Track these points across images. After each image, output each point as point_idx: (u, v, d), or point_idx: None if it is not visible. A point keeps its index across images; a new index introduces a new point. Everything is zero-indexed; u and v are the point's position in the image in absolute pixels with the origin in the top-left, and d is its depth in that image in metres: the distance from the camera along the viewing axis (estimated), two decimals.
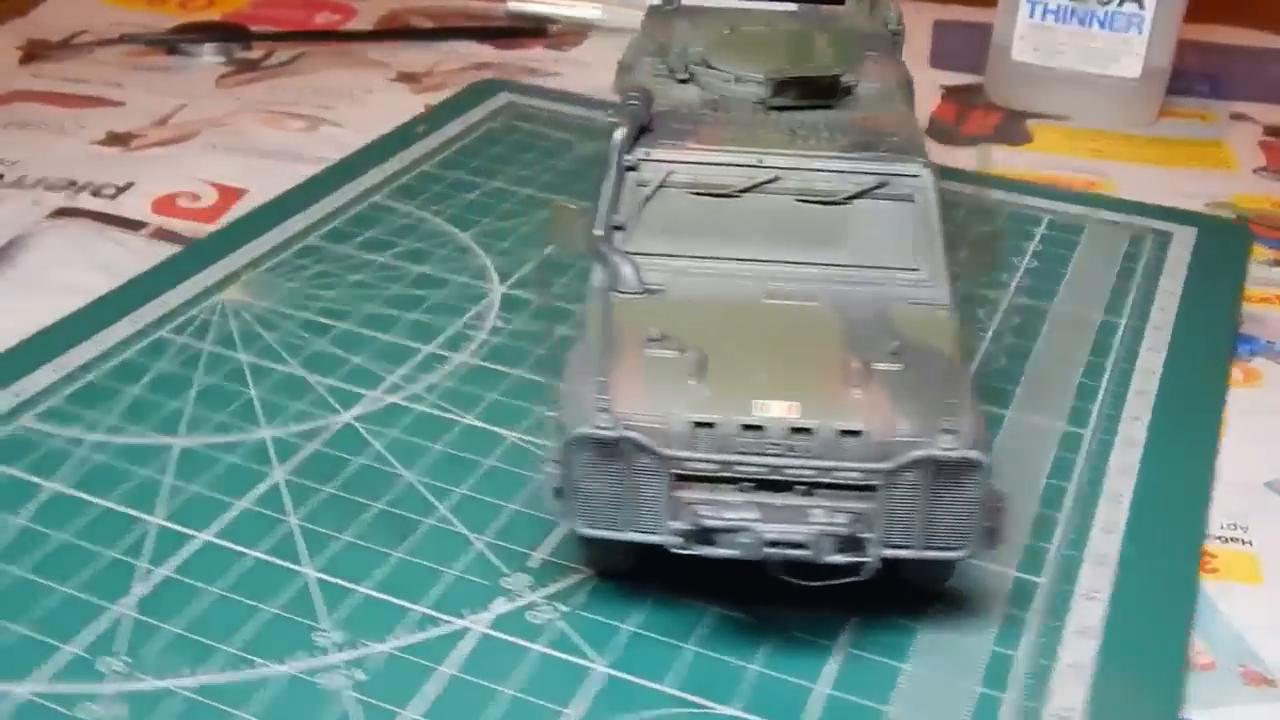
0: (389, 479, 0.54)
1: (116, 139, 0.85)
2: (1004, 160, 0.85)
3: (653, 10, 0.66)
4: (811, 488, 0.44)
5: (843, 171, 0.49)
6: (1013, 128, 0.90)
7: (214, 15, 1.08)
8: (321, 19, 1.09)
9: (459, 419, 0.58)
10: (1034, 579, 0.50)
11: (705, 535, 0.43)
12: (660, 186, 0.49)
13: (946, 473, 0.43)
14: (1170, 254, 0.74)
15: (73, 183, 0.78)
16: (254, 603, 0.48)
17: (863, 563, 0.43)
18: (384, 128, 0.85)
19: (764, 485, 0.44)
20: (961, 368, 0.46)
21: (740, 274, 0.49)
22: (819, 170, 0.49)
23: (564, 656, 0.46)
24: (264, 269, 0.69)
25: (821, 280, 0.49)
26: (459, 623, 0.47)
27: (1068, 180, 0.83)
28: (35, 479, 0.53)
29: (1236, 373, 0.64)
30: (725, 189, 0.49)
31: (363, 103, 0.92)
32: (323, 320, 0.65)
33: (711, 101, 0.54)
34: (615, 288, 0.48)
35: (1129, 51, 0.86)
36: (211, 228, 0.74)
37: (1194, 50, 1.00)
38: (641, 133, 0.50)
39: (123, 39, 0.99)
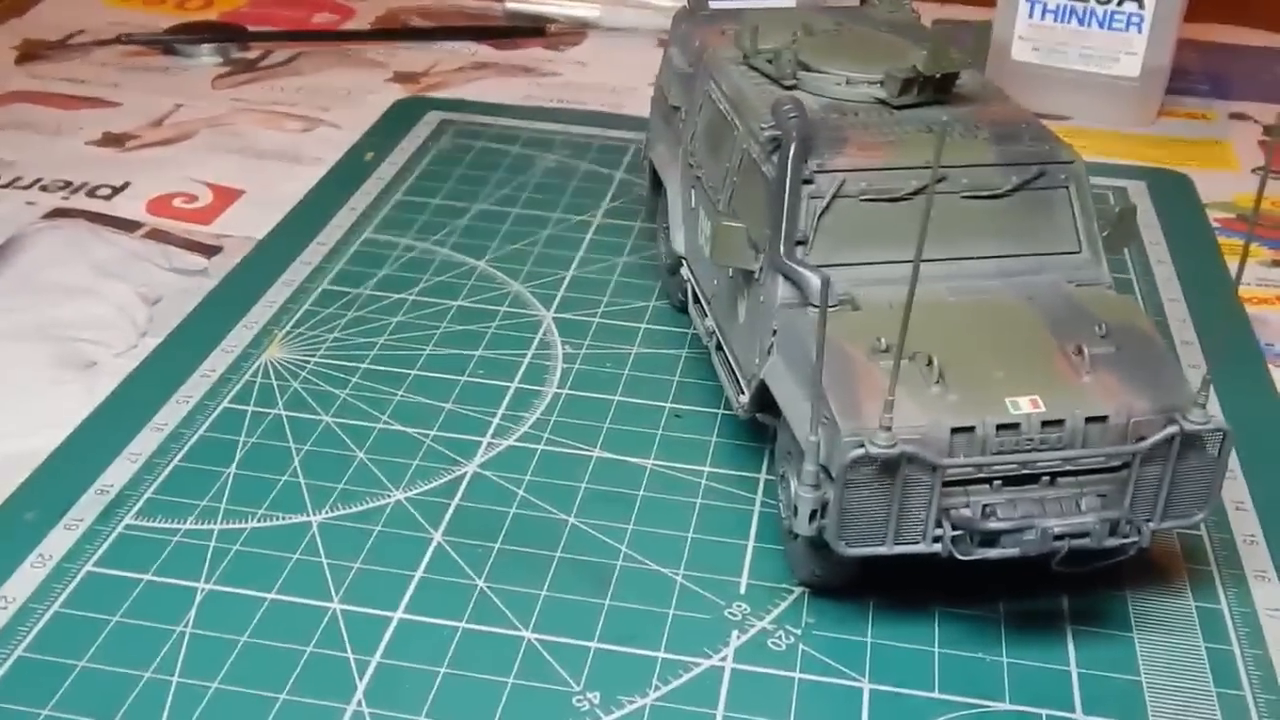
0: (552, 525, 0.52)
1: (112, 139, 0.84)
2: None
3: (683, 15, 0.65)
4: (1054, 477, 0.45)
5: (1003, 165, 0.50)
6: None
7: (211, 15, 1.07)
8: (319, 19, 1.07)
9: (587, 452, 0.56)
10: (1194, 533, 0.53)
11: (988, 538, 0.43)
12: (835, 197, 0.49)
13: (1194, 444, 0.45)
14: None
15: (68, 183, 0.78)
16: (491, 676, 0.45)
17: (1133, 542, 0.44)
18: None
19: (1010, 481, 0.45)
20: (1163, 341, 0.48)
21: (923, 274, 0.49)
22: (982, 166, 0.50)
23: (829, 680, 0.45)
24: (294, 323, 0.64)
25: (996, 273, 0.50)
26: (707, 663, 0.46)
27: None
28: (180, 581, 0.49)
29: None
30: (896, 193, 0.50)
31: (360, 103, 0.90)
32: (389, 369, 0.61)
33: (827, 106, 0.53)
34: (809, 303, 0.48)
35: (1128, 51, 0.86)
36: (207, 228, 0.74)
37: (1194, 49, 1.00)
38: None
39: (119, 39, 0.98)
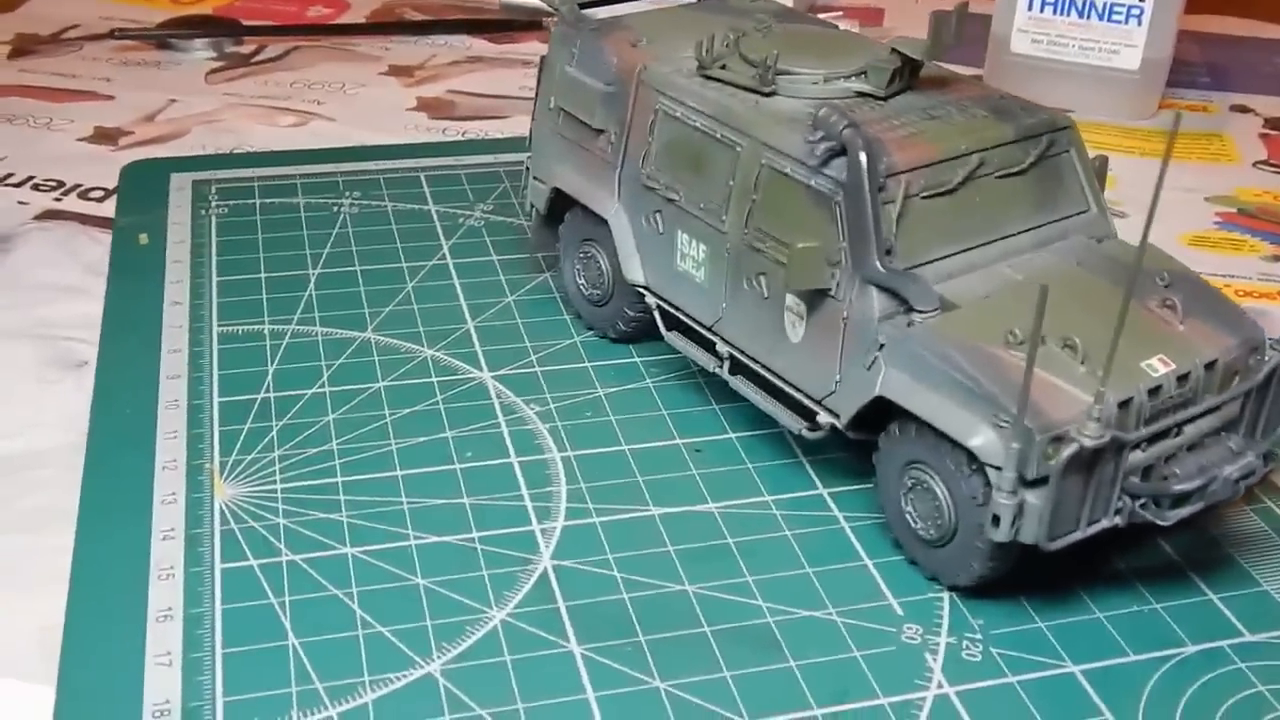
0: (676, 600, 0.48)
1: (105, 135, 0.84)
2: None
3: (568, 33, 0.61)
4: (1181, 426, 0.47)
5: (1019, 141, 0.51)
6: None
7: (205, 9, 1.05)
8: (314, 13, 1.06)
9: (645, 511, 0.52)
10: None
11: (1179, 499, 0.45)
12: (906, 198, 0.48)
13: None
14: None
15: (60, 183, 0.77)
16: None
17: (1272, 469, 0.48)
18: (375, 122, 0.86)
19: (1154, 438, 0.47)
20: (1202, 279, 0.51)
21: (981, 260, 0.50)
22: (1005, 145, 0.51)
23: (1043, 674, 0.46)
24: (220, 451, 0.55)
25: (1034, 245, 0.51)
26: (929, 694, 0.45)
27: None
28: None
29: None
30: (948, 185, 0.49)
31: (354, 97, 0.91)
32: (369, 476, 0.54)
33: (817, 107, 0.52)
34: (914, 309, 0.47)
35: (1128, 43, 0.85)
36: None
37: (1194, 41, 0.99)
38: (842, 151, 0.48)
39: (112, 34, 0.97)
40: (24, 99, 0.88)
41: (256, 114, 0.87)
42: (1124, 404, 0.45)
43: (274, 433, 0.56)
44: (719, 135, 0.53)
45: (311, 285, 0.67)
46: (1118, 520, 0.46)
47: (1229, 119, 0.91)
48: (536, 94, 0.63)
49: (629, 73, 0.57)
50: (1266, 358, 0.48)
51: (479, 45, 1.01)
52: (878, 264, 0.47)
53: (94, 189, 0.76)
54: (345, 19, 1.05)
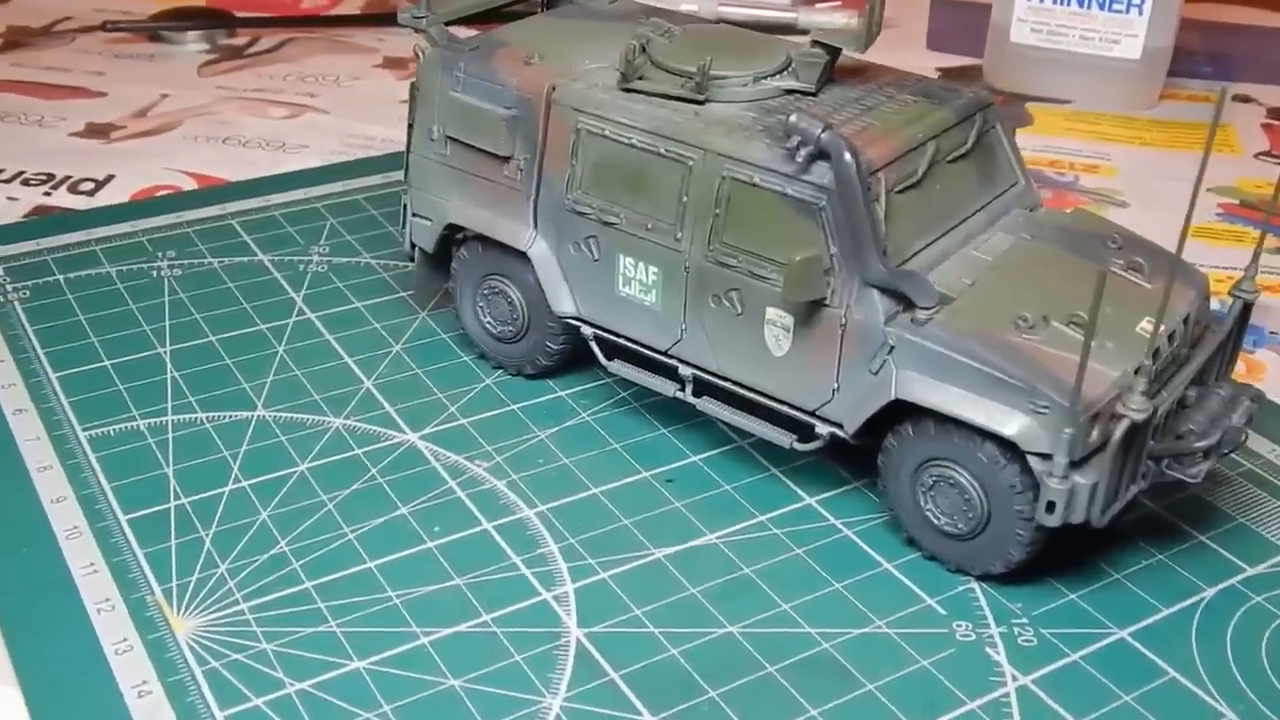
0: (727, 644, 0.46)
1: (96, 130, 0.83)
2: None
3: (446, 59, 0.56)
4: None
5: (959, 124, 0.51)
6: (1012, 111, 0.84)
7: (199, 0, 1.03)
8: (308, 3, 1.06)
9: (651, 554, 0.49)
10: None
11: (1204, 454, 0.46)
12: (888, 194, 0.47)
13: (1246, 314, 0.51)
14: None
15: (50, 176, 0.77)
16: None
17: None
18: (369, 114, 0.86)
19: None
20: (1142, 237, 0.53)
21: (951, 247, 0.50)
22: (950, 130, 0.51)
23: (1098, 646, 0.46)
24: (155, 578, 0.47)
25: (987, 223, 0.51)
26: (1006, 688, 0.44)
27: (1068, 164, 0.81)
28: None
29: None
30: (914, 176, 0.49)
31: (348, 89, 0.91)
32: (340, 574, 0.48)
33: (756, 109, 0.50)
34: (918, 305, 0.46)
35: (1129, 33, 0.84)
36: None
37: (1196, 30, 0.96)
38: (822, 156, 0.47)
39: (104, 26, 0.96)
40: (16, 96, 0.87)
41: (250, 107, 0.86)
42: (1136, 372, 0.46)
43: (208, 545, 0.49)
44: (663, 150, 0.50)
45: (170, 366, 0.59)
46: (1143, 484, 0.47)
47: (1231, 109, 0.90)
48: (411, 124, 0.58)
49: (535, 93, 0.53)
50: (1227, 303, 0.50)
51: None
52: (879, 266, 0.46)
53: (84, 180, 0.76)
54: (340, 10, 1.05)
